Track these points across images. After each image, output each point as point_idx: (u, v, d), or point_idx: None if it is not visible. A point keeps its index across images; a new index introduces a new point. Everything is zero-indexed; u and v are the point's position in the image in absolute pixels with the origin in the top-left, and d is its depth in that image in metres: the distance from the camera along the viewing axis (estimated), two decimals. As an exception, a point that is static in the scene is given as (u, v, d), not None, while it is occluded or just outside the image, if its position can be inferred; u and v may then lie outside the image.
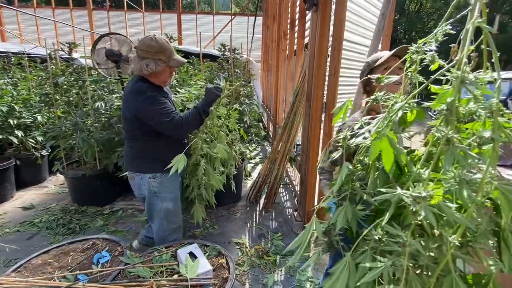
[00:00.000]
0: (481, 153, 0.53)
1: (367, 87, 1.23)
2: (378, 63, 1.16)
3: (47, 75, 2.80)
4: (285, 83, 4.16)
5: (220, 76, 2.85)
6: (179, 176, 1.85)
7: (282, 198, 3.28)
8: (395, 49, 1.08)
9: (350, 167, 0.73)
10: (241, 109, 2.22)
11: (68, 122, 2.72)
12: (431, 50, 0.63)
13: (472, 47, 0.51)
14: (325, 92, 2.15)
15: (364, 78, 1.20)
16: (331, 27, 1.99)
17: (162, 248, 1.57)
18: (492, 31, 0.48)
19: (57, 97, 2.89)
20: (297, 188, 2.99)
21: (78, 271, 1.36)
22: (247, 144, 4.28)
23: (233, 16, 10.40)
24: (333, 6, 1.96)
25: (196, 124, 1.68)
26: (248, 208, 2.99)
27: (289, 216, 2.83)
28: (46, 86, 3.12)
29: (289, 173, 3.86)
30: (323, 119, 2.21)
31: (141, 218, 2.69)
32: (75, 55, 3.23)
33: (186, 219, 2.42)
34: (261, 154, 5.12)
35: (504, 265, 0.52)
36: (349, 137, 0.76)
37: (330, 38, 2.01)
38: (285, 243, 2.36)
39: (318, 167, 1.26)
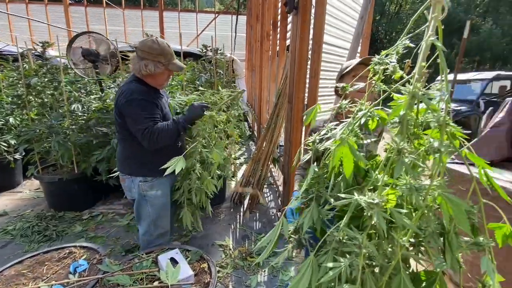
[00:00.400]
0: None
1: (338, 92, 1.32)
2: (346, 70, 1.26)
3: (19, 75, 2.67)
4: (268, 84, 4.19)
5: (202, 78, 2.84)
6: (171, 181, 1.83)
7: (266, 198, 3.30)
8: (362, 58, 1.18)
9: (316, 169, 0.76)
10: (238, 113, 2.18)
11: (43, 124, 2.61)
12: (392, 62, 0.67)
13: (425, 64, 0.54)
14: (306, 95, 2.19)
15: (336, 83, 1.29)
16: (311, 31, 2.02)
17: (142, 254, 1.55)
18: (444, 49, 0.51)
19: (31, 98, 2.77)
20: (281, 188, 3.02)
21: (54, 282, 1.32)
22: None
23: (216, 15, 10.31)
24: (313, 10, 1.99)
25: (170, 139, 1.62)
26: (232, 210, 3.00)
27: (273, 217, 2.86)
28: (19, 86, 2.98)
29: (273, 173, 3.89)
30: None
31: (122, 222, 2.63)
32: (52, 52, 3.10)
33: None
34: (246, 154, 5.13)
35: (447, 263, 0.57)
36: (317, 140, 0.80)
37: (310, 41, 2.04)
38: (269, 243, 2.38)
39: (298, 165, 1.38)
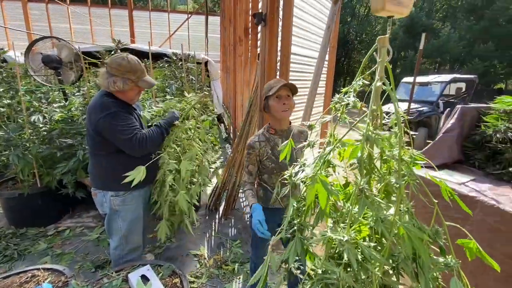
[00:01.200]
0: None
1: (265, 108, 1.46)
2: (270, 92, 1.36)
3: (-31, 84, 2.46)
4: (242, 88, 4.21)
5: (173, 86, 2.79)
6: (143, 196, 1.81)
7: (242, 203, 3.33)
8: (285, 82, 1.36)
9: (295, 204, 0.79)
10: (210, 119, 2.15)
11: (-1, 137, 2.43)
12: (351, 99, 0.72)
13: (375, 107, 0.59)
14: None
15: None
16: (279, 43, 2.08)
17: (112, 273, 1.51)
18: (390, 92, 0.57)
19: (-16, 108, 2.56)
20: (256, 193, 3.06)
21: (14, 310, 1.25)
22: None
23: (189, 15, 10.14)
24: (280, 23, 2.05)
25: (158, 142, 1.69)
26: (207, 217, 2.99)
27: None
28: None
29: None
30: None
31: (92, 236, 2.53)
32: (11, 54, 2.88)
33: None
34: (222, 157, 5.11)
35: (421, 285, 0.63)
36: (294, 174, 0.82)
37: (279, 53, 2.10)
38: (244, 250, 2.42)
39: (242, 181, 1.50)
